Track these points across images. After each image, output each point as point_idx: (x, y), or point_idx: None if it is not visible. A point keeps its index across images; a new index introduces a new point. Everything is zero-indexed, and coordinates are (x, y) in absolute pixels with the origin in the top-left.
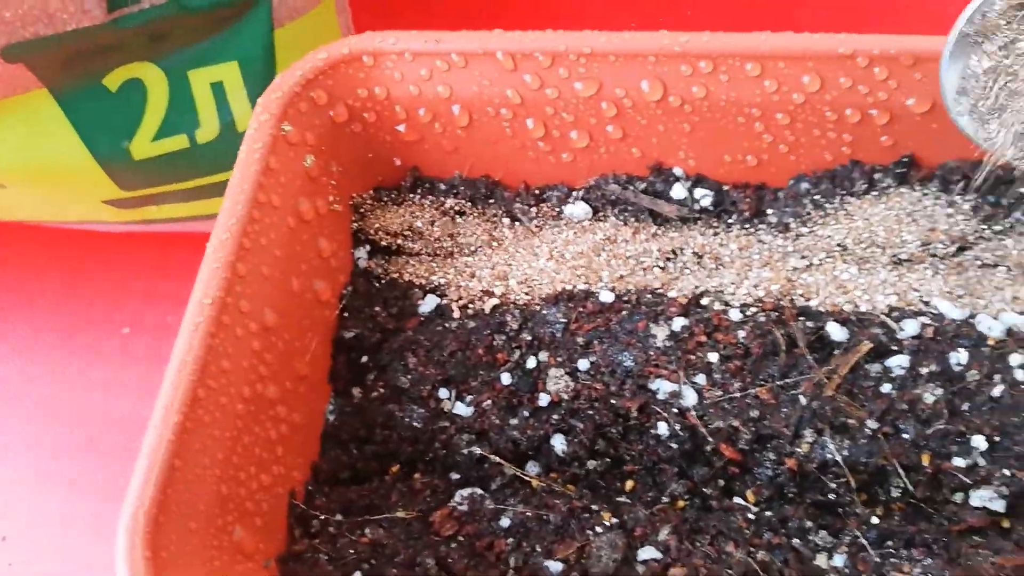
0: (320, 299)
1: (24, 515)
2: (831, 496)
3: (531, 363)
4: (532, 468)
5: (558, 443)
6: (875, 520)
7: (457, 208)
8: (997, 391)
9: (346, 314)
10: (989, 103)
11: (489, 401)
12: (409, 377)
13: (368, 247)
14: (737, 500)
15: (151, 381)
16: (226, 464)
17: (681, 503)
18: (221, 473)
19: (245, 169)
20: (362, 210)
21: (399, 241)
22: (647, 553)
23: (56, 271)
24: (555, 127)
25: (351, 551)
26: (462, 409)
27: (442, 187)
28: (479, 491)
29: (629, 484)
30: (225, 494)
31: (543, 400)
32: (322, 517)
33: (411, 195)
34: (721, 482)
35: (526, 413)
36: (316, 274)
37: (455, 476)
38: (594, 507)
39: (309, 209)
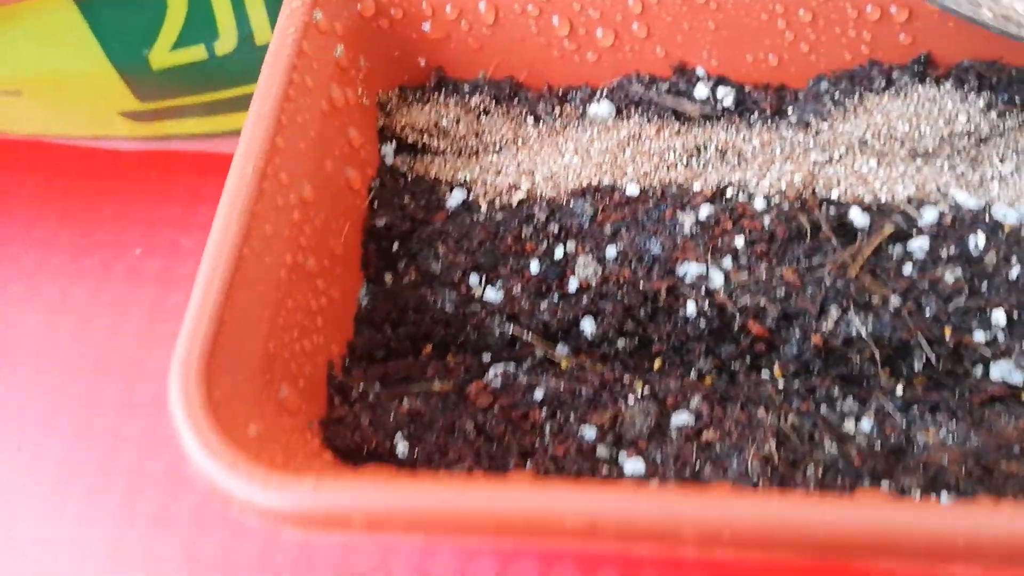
0: (352, 187)
1: (38, 427)
2: (855, 370)
3: (559, 252)
4: (562, 349)
5: (587, 325)
6: (899, 391)
7: (482, 107)
8: (1014, 273)
9: (376, 205)
10: None
11: (518, 287)
12: (440, 264)
13: (394, 144)
14: (764, 374)
15: (163, 302)
16: (272, 323)
17: (709, 379)
18: (268, 330)
19: (280, 51)
20: (388, 108)
21: (424, 139)
22: (680, 419)
23: (66, 193)
24: (581, 24)
25: (390, 417)
26: (492, 295)
27: (466, 88)
28: (512, 366)
29: (657, 363)
30: (272, 351)
31: (572, 286)
32: (361, 388)
33: (435, 94)
34: (748, 359)
35: (555, 298)
36: (347, 161)
37: (487, 357)
38: (625, 380)
39: (340, 97)
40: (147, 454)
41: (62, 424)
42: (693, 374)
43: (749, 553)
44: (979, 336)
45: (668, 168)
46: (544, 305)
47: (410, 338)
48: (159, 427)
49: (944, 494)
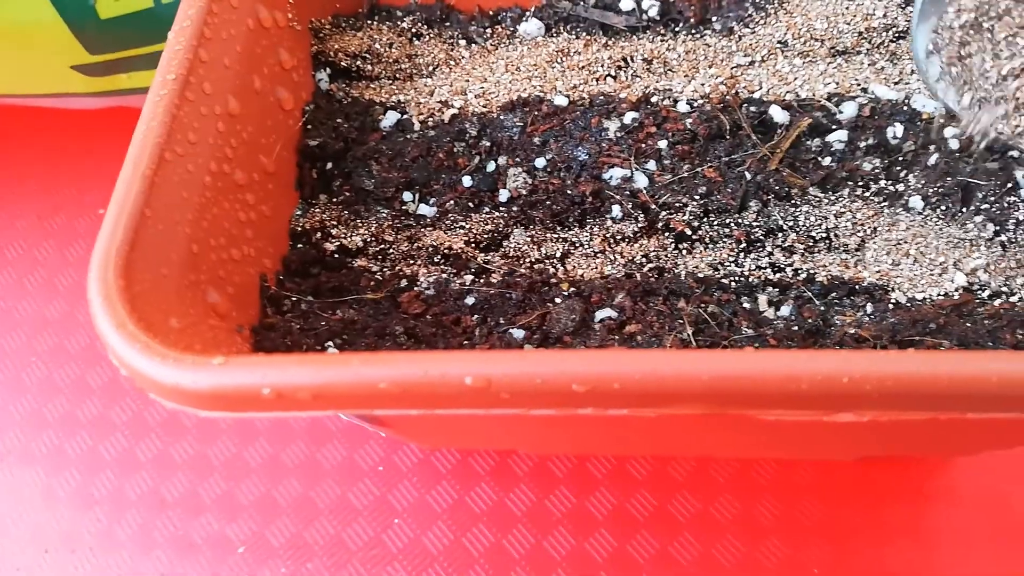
0: (284, 108)
1: (8, 382)
2: (776, 260)
3: (491, 167)
4: (495, 259)
5: (518, 235)
6: (819, 279)
7: (414, 31)
8: (932, 159)
9: (309, 126)
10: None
11: (452, 202)
12: (373, 181)
13: (328, 71)
14: (688, 268)
15: None
16: (196, 226)
17: (639, 276)
18: (191, 233)
19: None
20: (321, 34)
21: (358, 63)
22: (604, 313)
23: (29, 153)
24: None
25: (323, 324)
26: (425, 210)
27: (399, 12)
28: (444, 275)
29: (585, 264)
30: (196, 253)
31: (503, 196)
32: (294, 298)
33: (369, 21)
34: (671, 254)
35: (487, 210)
36: (278, 82)
37: (420, 268)
38: (552, 280)
39: (268, 18)
40: (111, 401)
41: (31, 377)
42: (621, 271)
43: (643, 410)
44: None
45: (596, 80)
46: (477, 217)
47: (344, 251)
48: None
49: None
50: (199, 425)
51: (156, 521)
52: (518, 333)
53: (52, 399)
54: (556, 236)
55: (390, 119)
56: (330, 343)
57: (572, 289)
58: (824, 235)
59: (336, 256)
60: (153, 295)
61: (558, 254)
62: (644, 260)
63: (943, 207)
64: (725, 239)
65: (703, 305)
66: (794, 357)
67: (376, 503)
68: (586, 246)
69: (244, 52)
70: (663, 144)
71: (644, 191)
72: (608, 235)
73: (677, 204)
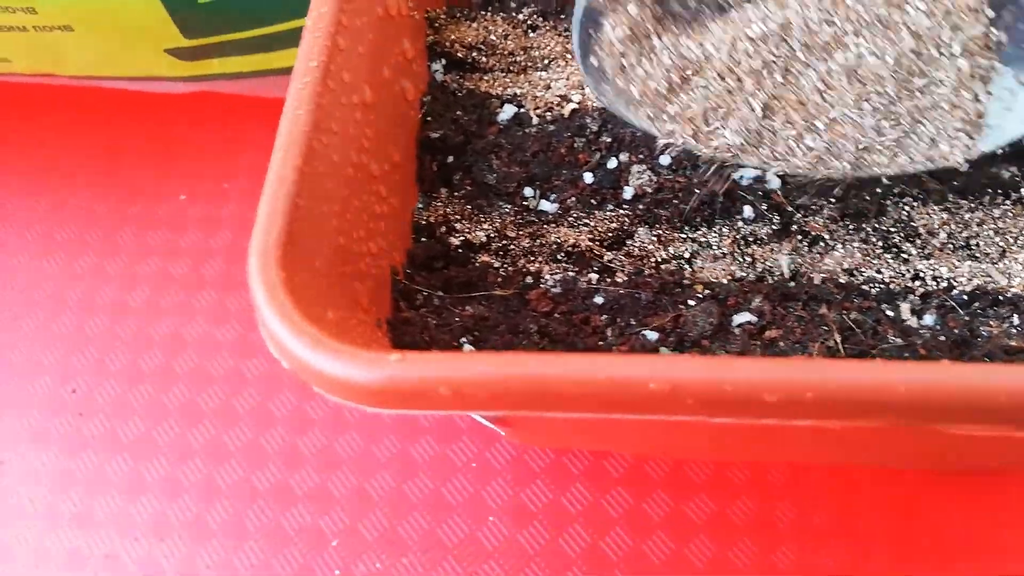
0: (407, 98)
1: (92, 370)
2: (916, 268)
3: (612, 163)
4: (620, 257)
5: (643, 234)
6: (961, 288)
7: (529, 23)
8: None
9: (428, 118)
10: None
11: (573, 198)
12: (495, 176)
13: (444, 61)
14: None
15: (206, 245)
16: (341, 218)
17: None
18: (338, 225)
19: None
20: (437, 24)
21: (474, 55)
22: (742, 318)
23: (110, 138)
24: None
25: (456, 320)
26: (547, 206)
27: (513, 4)
28: (569, 273)
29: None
30: (343, 245)
31: (627, 194)
32: (425, 292)
33: (483, 12)
34: (807, 257)
35: (610, 207)
36: (402, 72)
37: (545, 266)
38: (685, 281)
39: (393, 5)
40: (198, 389)
41: (115, 365)
42: (753, 275)
43: (832, 421)
44: None
45: None
46: (600, 215)
47: (467, 246)
48: (211, 359)
49: None
50: (288, 416)
51: (247, 511)
52: (651, 335)
53: (138, 384)
54: (683, 236)
55: (507, 112)
56: (464, 339)
57: (706, 291)
58: (964, 243)
59: (460, 251)
60: (310, 288)
61: (686, 255)
62: (778, 264)
63: None
64: (862, 244)
65: (845, 312)
66: (1003, 371)
67: (470, 500)
68: (715, 247)
69: (376, 41)
70: None
71: (778, 192)
72: (738, 236)
73: (813, 206)
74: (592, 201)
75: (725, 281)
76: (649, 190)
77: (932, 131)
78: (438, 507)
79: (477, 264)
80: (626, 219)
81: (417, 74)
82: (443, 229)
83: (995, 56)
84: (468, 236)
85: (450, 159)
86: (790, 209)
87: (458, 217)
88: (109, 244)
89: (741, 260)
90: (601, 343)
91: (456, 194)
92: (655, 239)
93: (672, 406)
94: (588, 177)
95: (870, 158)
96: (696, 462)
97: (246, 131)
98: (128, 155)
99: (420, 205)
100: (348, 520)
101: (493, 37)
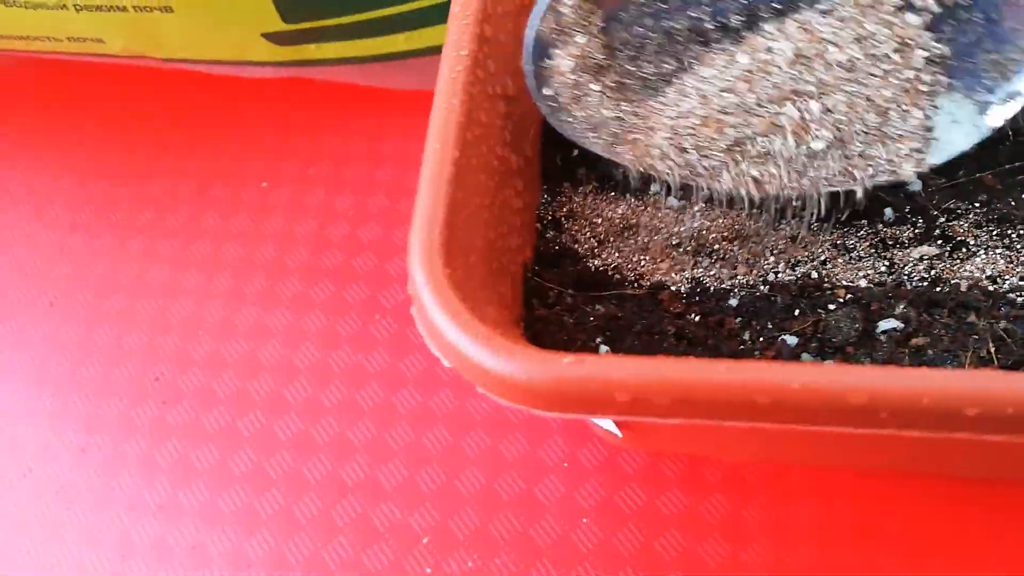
0: None
1: (174, 356)
2: None
3: None
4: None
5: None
6: None
7: None
8: None
9: None
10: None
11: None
12: (621, 170)
13: None
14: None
15: (290, 231)
16: (490, 211)
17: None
18: (488, 218)
19: None
20: None
21: None
22: (887, 324)
23: (195, 121)
24: None
25: (591, 320)
26: (673, 203)
27: None
28: (700, 271)
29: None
30: (491, 240)
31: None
32: (557, 290)
33: None
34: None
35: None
36: None
37: (675, 264)
38: (825, 285)
39: None
40: (283, 380)
41: (199, 350)
42: (892, 279)
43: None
44: None
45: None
46: (731, 212)
47: (596, 240)
48: (295, 350)
49: None
50: (375, 409)
51: (336, 505)
52: (791, 340)
53: (225, 372)
54: (821, 238)
55: None
56: (599, 339)
57: (848, 296)
58: None
59: (587, 248)
60: (469, 284)
61: (822, 256)
62: (919, 269)
63: None
64: (1006, 251)
65: (994, 320)
66: None
67: (562, 500)
68: (854, 250)
69: (514, 29)
70: None
71: (920, 195)
72: (878, 239)
73: (958, 210)
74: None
75: (865, 284)
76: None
77: (885, 150)
78: (530, 507)
79: (606, 262)
80: (761, 217)
81: None
82: (568, 225)
83: (941, 70)
84: (593, 233)
85: (575, 153)
86: (934, 212)
87: (584, 212)
88: (191, 228)
89: (879, 265)
90: (742, 347)
91: (581, 189)
92: (789, 239)
93: (867, 419)
94: None
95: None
96: (798, 468)
97: (329, 116)
98: (209, 139)
99: (544, 200)
100: (439, 517)
101: None
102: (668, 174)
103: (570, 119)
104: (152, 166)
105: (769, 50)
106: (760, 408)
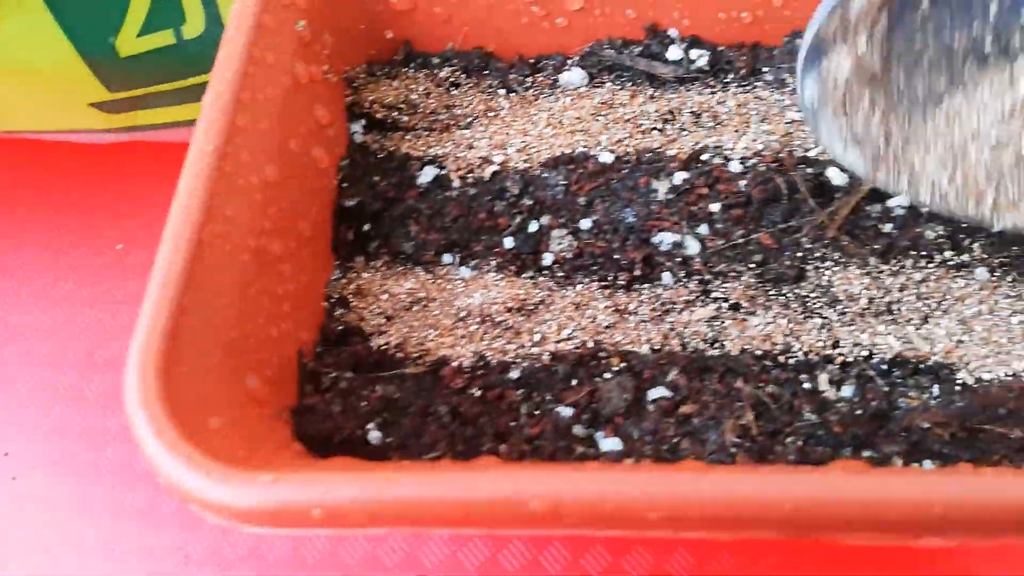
0: (319, 166)
1: (27, 429)
2: (836, 335)
3: (533, 227)
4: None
5: (561, 299)
6: (882, 355)
7: (452, 80)
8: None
9: (345, 184)
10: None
11: (493, 263)
12: (412, 243)
13: (364, 122)
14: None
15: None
16: (235, 310)
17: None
18: (231, 319)
19: (239, 25)
20: (356, 84)
21: (394, 115)
22: (657, 392)
23: (44, 189)
24: None
25: (363, 404)
26: (466, 273)
27: (435, 60)
28: (484, 344)
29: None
30: (236, 340)
31: (547, 260)
32: (332, 374)
33: (404, 69)
34: (726, 323)
35: (529, 274)
36: (314, 140)
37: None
38: (601, 354)
39: (304, 73)
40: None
41: (51, 420)
42: (673, 343)
43: (719, 533)
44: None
45: (643, 134)
46: (518, 281)
47: (384, 316)
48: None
49: (927, 462)
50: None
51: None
52: (566, 412)
53: (73, 440)
54: (602, 304)
55: (428, 175)
56: (371, 425)
57: (623, 364)
58: (885, 308)
59: (374, 325)
60: (193, 395)
61: (605, 324)
62: (696, 332)
63: (1010, 278)
64: (782, 310)
65: (762, 384)
66: (882, 482)
67: None
68: (635, 315)
69: (281, 114)
70: (716, 207)
71: (697, 258)
72: (658, 304)
73: (732, 273)
74: (512, 267)
75: (644, 351)
76: (569, 256)
77: None
78: None
79: (390, 339)
80: (547, 286)
81: (333, 139)
82: (355, 303)
83: None
84: (381, 309)
85: (367, 227)
86: (708, 276)
87: (373, 288)
88: (44, 296)
89: (661, 329)
90: (513, 423)
91: (371, 264)
92: (573, 307)
93: (553, 522)
94: (508, 242)
95: None
96: None
97: (177, 177)
98: (59, 206)
99: (335, 276)
100: None
101: (414, 95)
102: (936, 204)
103: (835, 128)
104: (5, 234)
105: None
106: (444, 517)
